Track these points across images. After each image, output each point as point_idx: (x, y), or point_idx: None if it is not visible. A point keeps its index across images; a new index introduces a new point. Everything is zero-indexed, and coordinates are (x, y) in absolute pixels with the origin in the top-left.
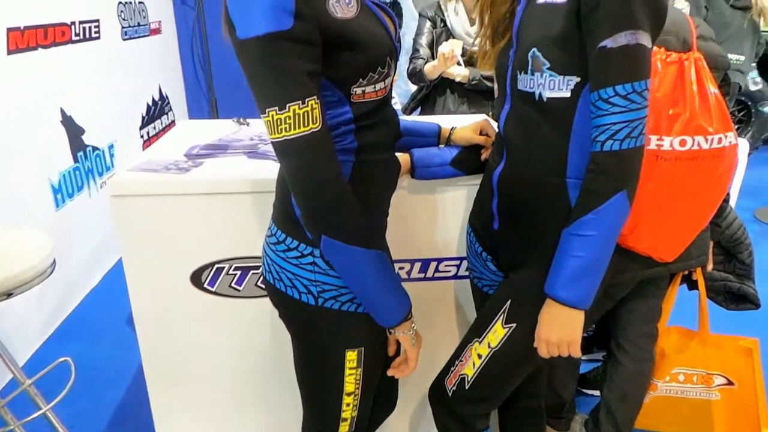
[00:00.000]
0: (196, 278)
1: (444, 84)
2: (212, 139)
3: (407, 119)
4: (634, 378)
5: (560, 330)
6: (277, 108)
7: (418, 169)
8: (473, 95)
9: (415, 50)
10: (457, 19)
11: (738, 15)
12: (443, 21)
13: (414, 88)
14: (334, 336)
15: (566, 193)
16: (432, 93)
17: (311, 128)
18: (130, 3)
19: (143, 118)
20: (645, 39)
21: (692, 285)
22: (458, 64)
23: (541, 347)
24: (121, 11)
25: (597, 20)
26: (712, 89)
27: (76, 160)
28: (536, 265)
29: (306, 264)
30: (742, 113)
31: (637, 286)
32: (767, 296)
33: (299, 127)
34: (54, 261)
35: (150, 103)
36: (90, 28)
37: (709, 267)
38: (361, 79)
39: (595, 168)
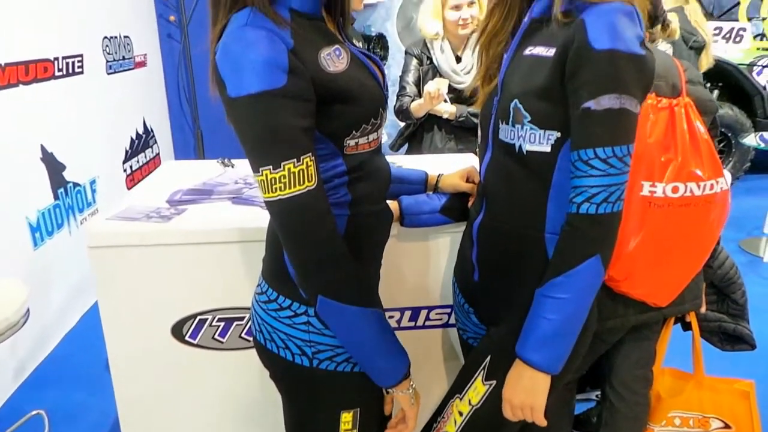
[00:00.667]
0: (177, 330)
1: (431, 121)
2: (196, 183)
3: (394, 165)
4: (630, 422)
5: (524, 392)
6: (271, 167)
7: (408, 216)
8: (460, 132)
9: (402, 87)
10: (443, 56)
11: (693, 54)
12: (429, 58)
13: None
14: (330, 397)
15: (544, 248)
16: (419, 130)
17: (307, 186)
18: (116, 37)
19: (127, 152)
20: (631, 103)
21: (686, 326)
22: (444, 101)
23: (505, 408)
24: (106, 45)
25: (582, 80)
26: (703, 135)
27: (56, 197)
28: (515, 321)
29: (300, 324)
30: (722, 144)
31: (631, 329)
32: (759, 330)
33: (295, 186)
34: (27, 311)
35: (134, 137)
36: (73, 63)
37: (703, 309)
38: (354, 132)
39: (570, 229)
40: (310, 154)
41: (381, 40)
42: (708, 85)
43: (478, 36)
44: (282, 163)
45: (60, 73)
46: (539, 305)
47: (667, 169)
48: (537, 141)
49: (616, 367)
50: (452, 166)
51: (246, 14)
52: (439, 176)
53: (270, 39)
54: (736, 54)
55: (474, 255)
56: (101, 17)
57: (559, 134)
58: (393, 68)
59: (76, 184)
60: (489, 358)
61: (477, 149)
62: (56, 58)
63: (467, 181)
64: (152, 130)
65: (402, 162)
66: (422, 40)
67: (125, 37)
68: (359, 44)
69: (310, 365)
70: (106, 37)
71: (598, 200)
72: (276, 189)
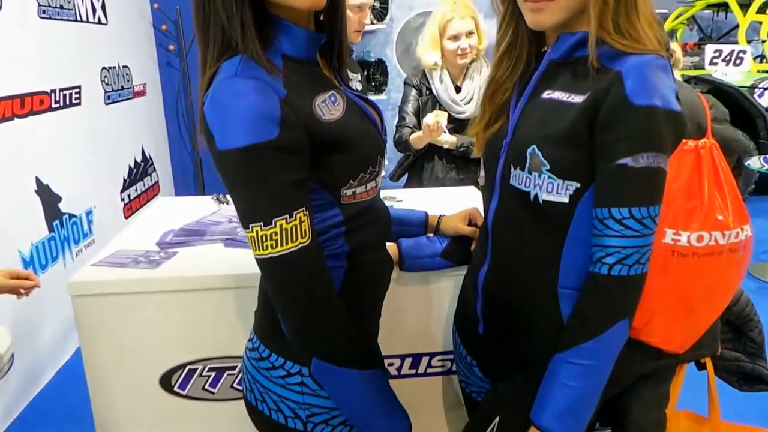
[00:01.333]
0: (166, 381)
1: (432, 150)
2: (188, 223)
3: (392, 205)
4: None
5: None
6: (262, 224)
7: (408, 260)
8: (461, 162)
9: (401, 118)
10: (442, 86)
11: None
12: (428, 89)
13: None
14: None
15: (557, 304)
16: (419, 160)
17: (300, 243)
18: (114, 68)
19: (125, 181)
20: (665, 162)
21: (701, 366)
22: (444, 132)
23: None
24: (105, 76)
25: (619, 134)
26: (729, 178)
27: (51, 230)
28: (527, 381)
29: (293, 384)
30: None
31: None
32: None
33: (287, 243)
34: (12, 356)
35: (132, 166)
36: (71, 94)
37: (718, 351)
38: (351, 181)
39: (598, 291)
40: (303, 208)
41: (380, 66)
42: None
43: (486, 87)
44: (273, 220)
45: (57, 105)
46: (560, 371)
47: (693, 217)
48: (555, 191)
49: (629, 410)
50: (454, 199)
51: (236, 63)
52: (440, 218)
53: (261, 89)
54: (736, 76)
55: (479, 307)
56: (100, 48)
57: (578, 185)
58: (392, 93)
59: (71, 216)
60: (498, 419)
61: (478, 179)
62: (53, 90)
63: (469, 223)
64: (151, 159)
65: (402, 197)
66: (421, 69)
67: (124, 66)
68: (357, 77)
69: (304, 429)
70: (104, 68)
71: (631, 262)
72: (267, 246)
